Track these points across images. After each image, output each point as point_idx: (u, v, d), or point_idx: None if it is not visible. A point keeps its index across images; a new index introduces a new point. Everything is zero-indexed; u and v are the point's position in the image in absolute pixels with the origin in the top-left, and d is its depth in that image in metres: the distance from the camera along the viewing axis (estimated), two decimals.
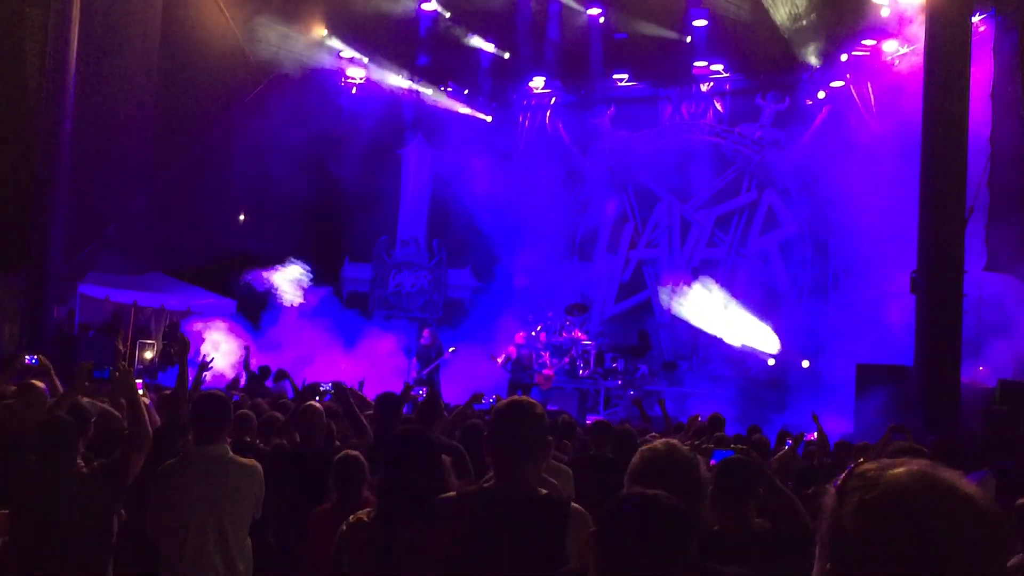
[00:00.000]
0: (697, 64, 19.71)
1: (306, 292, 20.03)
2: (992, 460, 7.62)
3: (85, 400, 5.85)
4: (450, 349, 18.05)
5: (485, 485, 3.30)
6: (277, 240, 19.89)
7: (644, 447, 3.20)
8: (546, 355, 18.40)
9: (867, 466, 1.52)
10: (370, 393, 9.87)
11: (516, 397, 3.55)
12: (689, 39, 19.07)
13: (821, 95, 18.90)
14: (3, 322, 16.62)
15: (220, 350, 17.28)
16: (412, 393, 10.64)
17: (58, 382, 6.78)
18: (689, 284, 19.24)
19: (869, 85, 18.24)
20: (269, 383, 13.63)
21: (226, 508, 4.88)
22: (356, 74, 21.37)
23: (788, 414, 14.59)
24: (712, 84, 20.52)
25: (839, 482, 1.52)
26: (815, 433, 8.76)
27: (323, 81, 20.44)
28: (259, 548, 5.33)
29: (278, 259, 19.72)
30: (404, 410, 8.76)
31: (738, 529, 4.12)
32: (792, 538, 4.10)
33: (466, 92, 22.34)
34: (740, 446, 5.23)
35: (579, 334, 19.05)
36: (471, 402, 9.12)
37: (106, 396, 6.55)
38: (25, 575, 4.67)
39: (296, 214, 19.78)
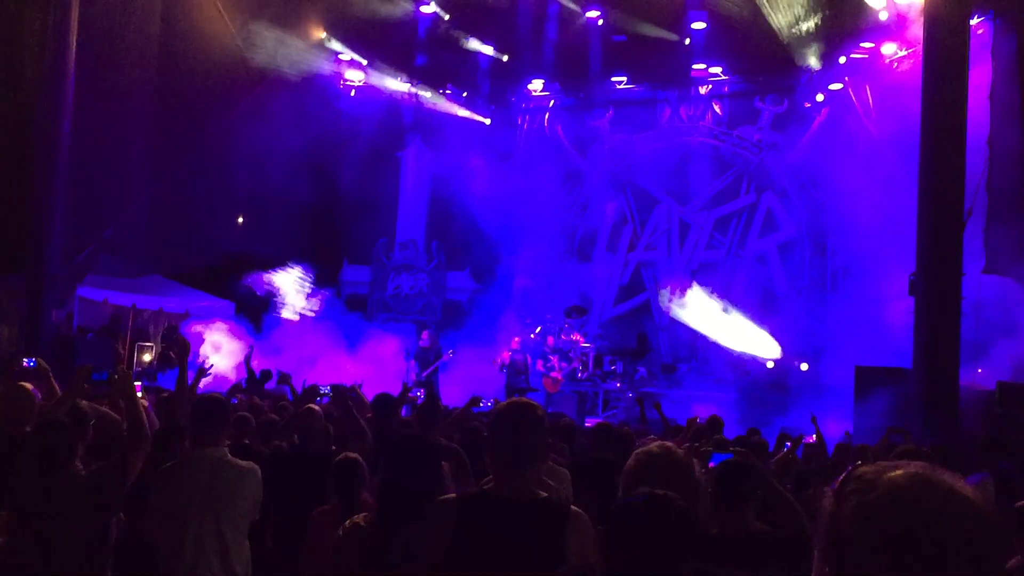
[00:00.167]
0: (696, 67, 19.72)
1: (310, 296, 20.04)
2: (991, 462, 7.60)
3: (84, 403, 5.84)
4: (449, 352, 18.05)
5: (485, 488, 3.30)
6: (276, 243, 19.88)
7: (639, 450, 3.20)
8: (554, 359, 18.32)
9: (865, 469, 1.52)
10: (370, 395, 9.87)
11: (517, 399, 3.54)
12: (688, 41, 19.08)
13: (820, 98, 18.90)
14: (2, 325, 16.64)
15: (221, 352, 17.30)
16: (411, 395, 10.65)
17: (56, 385, 6.78)
18: (688, 287, 19.23)
19: (868, 87, 18.25)
20: (270, 386, 13.62)
21: (224, 510, 4.88)
22: (355, 77, 21.38)
23: (789, 416, 14.58)
24: (711, 87, 20.52)
25: (837, 485, 1.52)
26: (814, 435, 8.76)
27: (322, 84, 20.44)
28: (258, 550, 5.33)
29: (277, 262, 19.72)
30: (403, 412, 8.76)
31: (736, 531, 4.12)
32: (790, 541, 4.10)
33: (465, 95, 22.35)
34: (739, 448, 5.24)
35: (578, 336, 19.04)
36: (469, 405, 9.13)
37: (106, 399, 6.55)
38: None
39: (295, 217, 19.77)
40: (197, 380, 7.08)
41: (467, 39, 20.41)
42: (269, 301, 19.73)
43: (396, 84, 21.91)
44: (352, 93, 21.48)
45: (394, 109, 22.14)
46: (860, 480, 1.49)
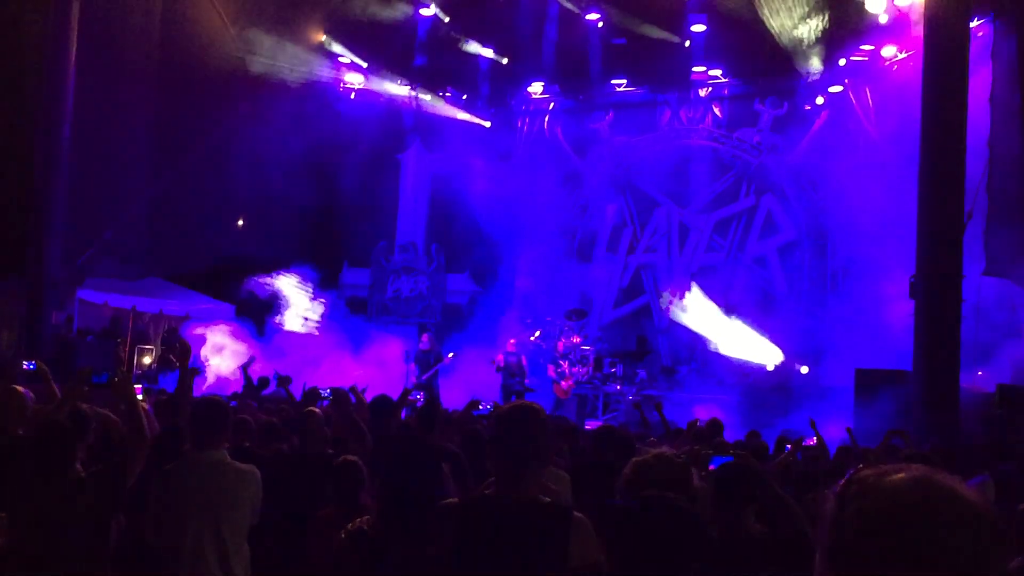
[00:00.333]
0: (696, 69, 19.71)
1: (313, 298, 20.04)
2: (991, 464, 7.61)
3: (84, 406, 5.84)
4: (448, 355, 18.03)
5: (487, 491, 3.30)
6: (276, 245, 19.89)
7: (636, 459, 3.21)
8: (564, 364, 18.25)
9: (867, 472, 1.52)
10: (371, 398, 9.86)
11: (520, 402, 3.53)
12: (688, 44, 19.09)
13: (820, 100, 18.89)
14: (2, 328, 16.65)
15: (223, 354, 17.31)
16: (410, 398, 10.64)
17: (56, 388, 6.77)
18: (688, 289, 19.21)
19: (868, 90, 18.25)
20: (268, 391, 13.61)
21: (224, 513, 4.88)
22: (354, 80, 21.39)
23: (791, 419, 14.56)
24: (711, 89, 20.51)
25: (839, 488, 1.52)
26: (814, 438, 8.75)
27: (322, 87, 20.45)
28: (258, 553, 5.32)
29: (277, 264, 19.72)
30: (402, 415, 8.76)
31: (736, 534, 4.11)
32: (790, 543, 4.10)
33: (464, 97, 22.35)
34: (739, 451, 5.24)
35: (577, 339, 19.04)
36: (469, 408, 9.12)
37: (108, 404, 6.54)
38: None
39: (295, 219, 19.78)
40: (190, 379, 7.05)
41: (467, 42, 20.42)
42: (272, 304, 19.71)
43: (396, 87, 21.92)
44: (352, 96, 21.49)
45: (394, 112, 22.15)
46: (862, 483, 1.49)
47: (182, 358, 6.44)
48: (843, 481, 1.53)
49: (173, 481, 4.93)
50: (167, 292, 19.92)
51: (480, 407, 9.12)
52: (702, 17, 18.25)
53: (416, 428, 7.04)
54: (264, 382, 13.98)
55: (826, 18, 16.88)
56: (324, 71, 20.43)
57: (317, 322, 19.97)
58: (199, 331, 17.81)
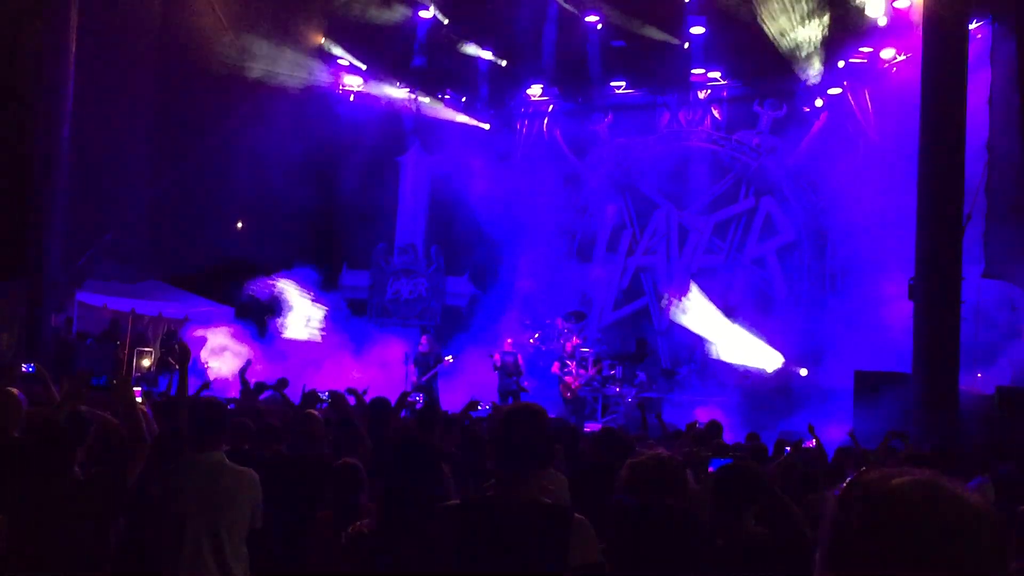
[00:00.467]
0: (695, 71, 19.73)
1: (315, 300, 20.02)
2: (990, 466, 7.61)
3: (84, 408, 5.83)
4: (447, 358, 18.01)
5: (487, 493, 3.29)
6: (275, 247, 19.87)
7: (632, 460, 3.21)
8: (572, 364, 18.23)
9: (870, 475, 1.52)
10: (371, 400, 9.85)
11: (521, 403, 3.53)
12: (687, 46, 19.10)
13: (819, 102, 18.91)
14: (1, 330, 16.63)
15: (224, 357, 17.29)
16: (409, 400, 10.63)
17: (54, 390, 6.76)
18: (687, 290, 19.20)
19: (867, 92, 18.27)
20: (266, 396, 13.59)
21: (221, 515, 4.88)
22: (353, 82, 21.40)
23: (792, 421, 14.56)
24: (710, 91, 20.54)
25: (841, 490, 1.52)
26: (813, 441, 8.75)
27: (321, 89, 20.45)
28: (257, 555, 5.32)
29: (276, 267, 19.70)
30: (402, 417, 8.75)
31: (736, 536, 4.11)
32: (790, 545, 4.10)
33: (464, 99, 22.37)
34: (738, 453, 5.24)
35: (576, 341, 19.04)
36: (467, 409, 9.12)
37: (107, 406, 6.54)
38: None
39: (294, 221, 19.77)
40: (198, 392, 7.06)
41: (466, 44, 20.43)
42: (273, 306, 19.68)
43: (395, 89, 21.93)
44: (351, 98, 21.50)
45: (393, 114, 22.17)
46: (865, 486, 1.49)
47: (181, 360, 6.44)
48: (845, 484, 1.53)
49: (171, 483, 4.93)
50: (166, 294, 19.92)
51: (479, 408, 9.12)
52: (701, 19, 18.27)
53: (415, 430, 7.04)
54: (260, 387, 13.95)
55: (825, 26, 16.87)
56: (323, 74, 20.42)
57: (320, 328, 19.91)
58: (199, 333, 17.81)
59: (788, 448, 8.75)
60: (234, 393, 13.68)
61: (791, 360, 17.64)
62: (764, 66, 18.74)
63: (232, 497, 4.95)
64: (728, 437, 10.77)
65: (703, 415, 13.28)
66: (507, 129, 22.70)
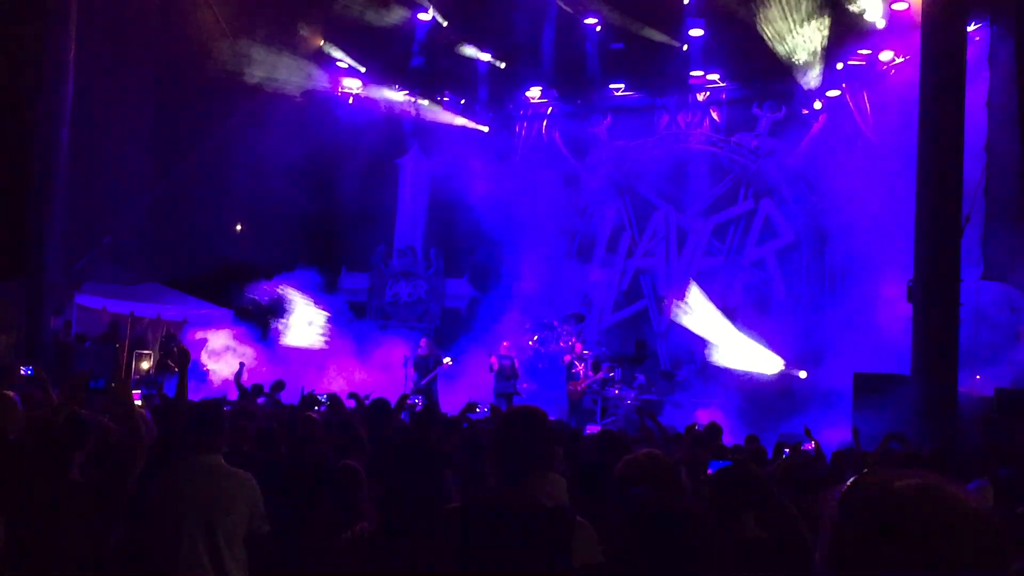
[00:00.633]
0: (694, 74, 19.73)
1: (317, 303, 20.01)
2: (989, 468, 7.60)
3: (83, 411, 5.83)
4: (446, 360, 18.00)
5: (490, 495, 3.28)
6: (274, 250, 19.87)
7: (627, 456, 3.22)
8: (580, 367, 18.21)
9: (871, 478, 1.52)
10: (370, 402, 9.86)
11: (523, 406, 3.53)
12: (686, 48, 19.10)
13: (818, 105, 18.93)
14: (0, 332, 16.63)
15: (225, 359, 17.29)
16: (409, 402, 10.65)
17: (53, 392, 6.76)
18: (687, 292, 19.19)
19: (865, 94, 18.29)
20: (263, 399, 13.59)
21: (219, 517, 4.87)
22: (352, 85, 21.40)
23: (793, 422, 14.56)
24: (709, 93, 20.55)
25: (843, 493, 1.52)
26: (811, 444, 8.76)
27: (320, 92, 20.45)
28: (257, 557, 5.31)
29: (275, 269, 19.70)
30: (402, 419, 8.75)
31: (735, 538, 4.11)
32: (789, 548, 4.09)
33: (463, 102, 22.38)
34: (737, 455, 5.24)
35: (575, 342, 19.05)
36: (465, 412, 9.13)
37: (106, 409, 6.54)
38: None
39: (293, 224, 19.75)
40: (186, 389, 7.05)
41: (465, 46, 20.43)
42: (275, 309, 19.65)
43: (394, 92, 21.93)
44: (350, 100, 21.50)
45: (392, 116, 22.16)
46: (867, 489, 1.49)
47: (181, 363, 6.44)
48: (847, 486, 1.53)
49: (168, 485, 4.93)
50: (165, 297, 19.91)
51: (477, 410, 9.13)
52: (700, 21, 18.25)
53: (415, 432, 7.04)
54: (258, 389, 13.96)
55: (824, 36, 16.87)
56: (322, 76, 20.42)
57: (323, 333, 19.86)
58: (201, 335, 17.82)
59: (787, 450, 8.75)
60: (234, 396, 13.70)
61: (790, 362, 17.64)
62: (763, 68, 18.75)
63: (229, 499, 4.94)
64: (728, 439, 10.78)
65: (703, 417, 13.28)
66: (506, 131, 22.69)
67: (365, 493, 5.10)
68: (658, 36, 18.86)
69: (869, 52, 17.61)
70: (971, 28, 13.48)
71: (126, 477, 4.81)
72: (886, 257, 15.29)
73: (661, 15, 18.32)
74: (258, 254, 19.77)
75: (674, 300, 19.40)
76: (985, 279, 13.86)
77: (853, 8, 16.32)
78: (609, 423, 17.19)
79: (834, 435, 11.67)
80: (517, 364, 17.92)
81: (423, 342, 18.55)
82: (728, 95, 20.53)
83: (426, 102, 22.26)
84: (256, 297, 19.37)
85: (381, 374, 18.09)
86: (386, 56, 20.42)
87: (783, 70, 18.11)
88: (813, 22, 16.74)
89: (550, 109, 22.36)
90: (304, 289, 19.70)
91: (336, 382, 16.91)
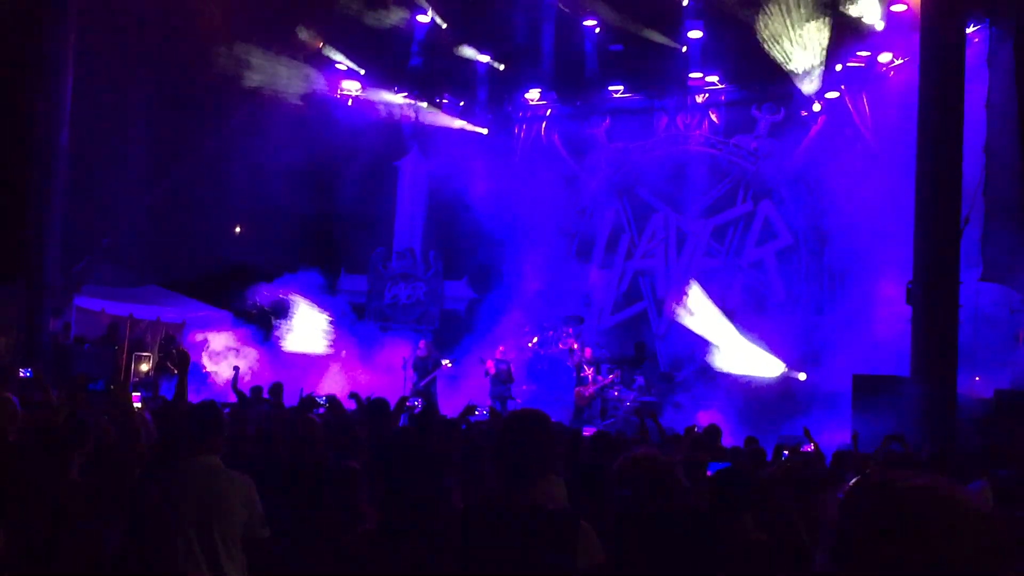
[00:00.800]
0: (693, 75, 19.75)
1: (320, 305, 20.00)
2: (989, 470, 7.60)
3: (83, 413, 5.83)
4: (445, 362, 18.00)
5: (492, 498, 3.27)
6: (273, 252, 19.87)
7: (624, 455, 3.22)
8: (590, 371, 18.18)
9: (873, 479, 1.52)
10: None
11: (526, 408, 3.51)
12: (685, 50, 19.11)
13: (816, 106, 18.92)
14: None
15: (227, 360, 17.28)
16: (408, 404, 10.64)
17: (52, 395, 6.76)
18: (686, 293, 19.18)
19: (864, 95, 18.30)
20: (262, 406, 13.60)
21: (217, 519, 4.86)
22: (351, 87, 21.41)
23: (795, 424, 14.56)
24: (707, 95, 20.56)
25: (845, 494, 1.52)
26: (811, 445, 8.75)
27: (319, 94, 20.45)
28: (256, 559, 5.31)
29: (274, 271, 19.69)
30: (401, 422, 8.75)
31: (734, 540, 4.11)
32: (788, 549, 4.09)
33: (462, 104, 22.38)
34: (736, 458, 5.23)
35: (574, 344, 19.05)
36: (464, 414, 9.12)
37: (106, 412, 6.54)
38: None
39: (292, 226, 19.77)
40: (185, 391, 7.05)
41: (464, 48, 20.44)
42: (277, 311, 19.63)
43: (392, 94, 21.94)
44: (349, 103, 21.50)
45: (391, 119, 22.16)
46: (869, 490, 1.49)
47: (181, 366, 6.45)
48: (849, 487, 1.54)
49: (165, 487, 4.92)
50: (164, 299, 19.90)
51: (476, 413, 9.13)
52: (699, 23, 18.27)
53: (414, 434, 7.04)
54: (257, 391, 13.96)
55: (824, 39, 16.87)
56: (321, 79, 20.42)
57: (327, 338, 19.80)
58: (202, 337, 17.82)
59: (786, 452, 8.74)
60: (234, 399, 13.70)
61: (790, 364, 17.64)
62: (762, 70, 18.75)
63: (226, 501, 4.93)
64: (727, 441, 10.77)
65: (703, 419, 13.28)
66: (505, 133, 22.70)
67: (365, 494, 5.09)
68: (657, 38, 18.88)
69: (868, 54, 17.62)
70: (970, 29, 13.50)
71: (125, 478, 4.80)
72: (885, 258, 15.29)
73: (660, 17, 18.35)
74: (257, 256, 19.78)
75: (674, 302, 19.41)
76: (984, 280, 13.86)
77: (852, 10, 16.34)
78: (608, 425, 17.19)
79: (833, 437, 11.68)
80: (513, 369, 17.92)
81: (422, 344, 18.57)
82: (727, 97, 20.54)
83: (425, 104, 22.27)
84: (258, 300, 19.36)
85: (381, 376, 18.08)
86: (385, 58, 20.44)
87: (782, 72, 18.11)
88: (812, 24, 16.75)
89: (549, 111, 22.36)
90: (306, 291, 19.69)
91: (337, 384, 16.92)
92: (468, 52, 20.53)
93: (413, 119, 22.36)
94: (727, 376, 18.00)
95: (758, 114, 20.17)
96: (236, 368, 13.97)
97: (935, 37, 12.36)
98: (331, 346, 19.57)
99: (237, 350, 17.81)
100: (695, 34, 18.60)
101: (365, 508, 4.96)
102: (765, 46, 16.96)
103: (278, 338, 19.24)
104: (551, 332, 19.90)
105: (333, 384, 16.81)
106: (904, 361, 12.45)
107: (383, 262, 22.88)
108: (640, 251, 21.34)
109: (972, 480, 7.13)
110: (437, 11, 19.33)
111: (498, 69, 21.02)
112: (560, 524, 3.11)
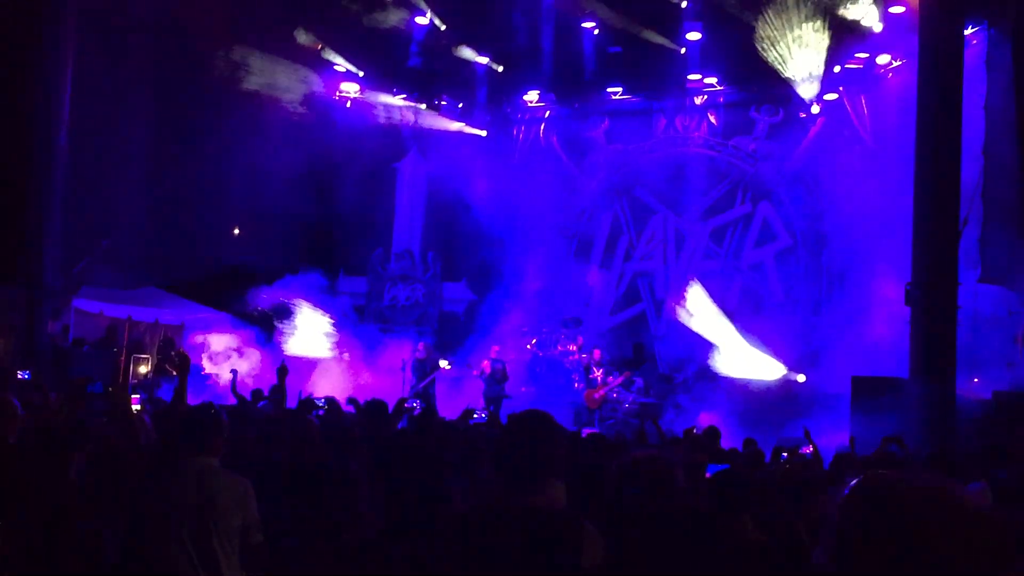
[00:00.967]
0: (691, 77, 19.76)
1: (322, 307, 19.96)
2: (987, 471, 7.61)
3: (82, 415, 5.83)
4: (443, 364, 17.99)
5: (495, 500, 3.26)
6: (272, 254, 19.85)
7: (624, 457, 3.22)
8: (599, 373, 18.15)
9: (873, 479, 1.52)
10: None
11: (530, 410, 3.47)
12: (683, 52, 19.12)
13: (815, 108, 18.91)
14: None
15: (229, 362, 17.26)
16: (407, 406, 10.64)
17: (50, 397, 6.76)
18: (686, 294, 19.17)
19: (863, 97, 18.30)
20: (262, 403, 13.58)
21: (214, 521, 4.86)
22: (350, 89, 21.41)
23: (796, 426, 14.55)
24: (706, 97, 20.56)
25: (845, 494, 1.53)
26: (810, 447, 8.76)
27: (317, 96, 20.45)
28: (255, 560, 5.30)
29: (273, 273, 19.66)
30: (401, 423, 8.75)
31: (733, 541, 4.11)
32: (787, 550, 4.10)
33: (460, 105, 22.38)
34: (735, 459, 5.24)
35: (573, 347, 19.04)
36: (464, 417, 9.13)
37: (105, 414, 6.54)
38: None
39: (291, 228, 19.76)
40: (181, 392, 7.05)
41: (462, 49, 20.44)
42: (279, 312, 19.60)
43: (391, 96, 21.94)
44: (348, 105, 21.50)
45: (390, 120, 22.16)
46: (869, 490, 1.50)
47: (181, 368, 6.44)
48: (849, 487, 1.54)
49: (163, 488, 4.92)
50: (163, 301, 19.89)
51: (475, 415, 9.13)
52: (698, 25, 18.28)
53: (413, 435, 7.04)
54: (257, 395, 13.95)
55: (823, 41, 16.88)
56: (320, 81, 20.42)
57: (330, 342, 19.75)
58: (202, 339, 17.81)
59: (785, 454, 8.75)
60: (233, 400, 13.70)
61: (789, 365, 17.64)
62: (760, 72, 18.75)
63: (225, 504, 4.93)
64: (726, 443, 10.77)
65: (702, 421, 13.28)
66: (504, 134, 22.69)
67: (365, 496, 5.10)
68: (656, 39, 18.88)
69: (867, 55, 17.62)
70: (968, 31, 13.52)
71: (124, 480, 4.80)
72: (884, 260, 15.30)
73: (659, 18, 18.36)
74: (256, 258, 19.76)
75: (675, 302, 19.40)
76: (983, 282, 13.88)
77: (850, 12, 16.35)
78: (607, 426, 17.19)
79: (832, 439, 11.67)
80: (508, 369, 17.92)
81: (421, 346, 18.56)
82: (726, 98, 20.55)
83: (424, 106, 22.27)
84: (259, 304, 19.34)
85: (380, 378, 18.07)
86: (384, 60, 20.45)
87: (781, 74, 18.12)
88: (810, 26, 16.76)
89: (548, 112, 22.36)
90: (308, 292, 19.66)
91: (338, 386, 16.90)
92: (467, 54, 20.53)
93: (412, 121, 22.34)
94: (726, 378, 17.99)
95: (757, 116, 20.18)
96: (234, 371, 13.96)
97: (933, 39, 12.38)
98: (333, 348, 19.54)
99: (240, 352, 17.78)
100: (694, 36, 18.61)
101: (364, 510, 4.96)
102: (763, 50, 16.96)
103: (280, 341, 19.21)
104: (546, 331, 19.87)
105: (333, 386, 16.78)
106: (903, 362, 12.46)
107: (382, 263, 22.87)
108: (639, 252, 21.34)
109: (972, 481, 7.14)
110: (436, 13, 19.33)
111: (497, 71, 21.03)
112: (565, 526, 3.10)
